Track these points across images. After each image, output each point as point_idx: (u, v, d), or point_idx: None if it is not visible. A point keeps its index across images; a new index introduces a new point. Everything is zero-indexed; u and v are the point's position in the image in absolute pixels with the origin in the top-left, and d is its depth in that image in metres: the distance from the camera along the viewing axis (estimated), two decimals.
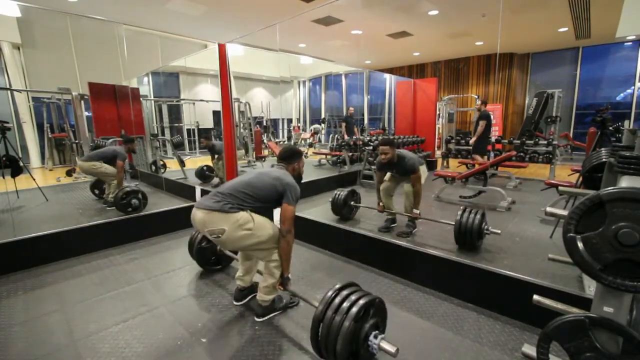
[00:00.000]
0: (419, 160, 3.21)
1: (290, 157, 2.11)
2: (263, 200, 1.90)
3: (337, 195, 3.71)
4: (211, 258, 2.65)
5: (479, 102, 6.19)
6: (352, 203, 3.77)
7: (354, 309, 1.44)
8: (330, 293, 1.55)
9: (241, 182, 1.94)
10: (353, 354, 1.47)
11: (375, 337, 1.49)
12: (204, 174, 5.77)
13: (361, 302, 1.48)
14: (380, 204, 3.40)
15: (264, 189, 1.90)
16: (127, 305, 2.21)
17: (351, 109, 8.31)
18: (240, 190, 1.89)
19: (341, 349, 1.39)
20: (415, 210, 3.19)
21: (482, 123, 5.60)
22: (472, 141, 5.85)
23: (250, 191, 1.88)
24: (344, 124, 7.78)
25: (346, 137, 7.29)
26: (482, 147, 5.75)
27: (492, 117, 5.86)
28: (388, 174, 3.40)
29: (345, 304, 1.47)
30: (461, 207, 2.88)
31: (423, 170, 3.26)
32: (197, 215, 1.86)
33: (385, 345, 1.46)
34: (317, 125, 10.91)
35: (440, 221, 3.17)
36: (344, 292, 1.55)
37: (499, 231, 2.77)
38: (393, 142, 3.13)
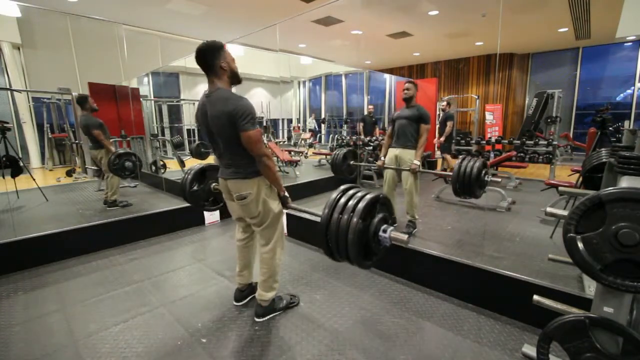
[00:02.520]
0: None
1: (207, 60, 1.69)
2: (236, 140, 1.70)
3: (336, 155, 3.71)
4: (207, 199, 2.42)
5: (444, 104, 6.29)
6: (352, 162, 3.75)
7: (361, 204, 1.41)
8: (334, 195, 1.52)
9: (221, 141, 1.78)
10: (365, 249, 1.45)
11: (385, 231, 1.46)
12: (199, 151, 5.81)
13: (368, 197, 1.45)
14: (382, 158, 3.41)
15: (229, 134, 1.70)
16: (127, 305, 2.21)
17: (371, 107, 8.09)
18: (231, 148, 1.77)
19: (352, 245, 1.38)
20: (415, 161, 3.13)
21: (449, 124, 5.89)
22: (441, 140, 6.09)
23: (231, 142, 1.73)
24: (361, 124, 7.61)
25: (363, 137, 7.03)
26: (450, 146, 6.14)
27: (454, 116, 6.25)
28: (388, 173, 3.38)
29: (352, 202, 1.45)
30: (460, 157, 2.83)
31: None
32: (226, 183, 1.89)
33: (395, 234, 1.44)
34: (311, 120, 11.07)
35: (440, 173, 3.16)
36: (350, 192, 1.52)
37: (499, 179, 2.78)
38: (416, 84, 3.28)
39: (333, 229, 1.45)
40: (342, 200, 1.48)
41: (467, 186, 2.66)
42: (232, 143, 1.74)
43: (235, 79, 1.80)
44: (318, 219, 1.53)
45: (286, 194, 1.97)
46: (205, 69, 1.72)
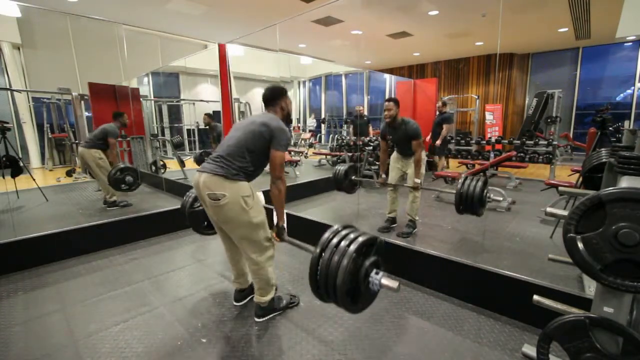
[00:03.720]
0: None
1: (273, 97, 2.00)
2: (257, 152, 1.82)
3: (337, 171, 3.75)
4: (204, 222, 2.44)
5: (440, 103, 6.15)
6: (353, 177, 3.80)
7: (353, 246, 1.37)
8: (327, 235, 1.48)
9: (233, 139, 1.85)
10: (354, 292, 1.41)
11: (377, 273, 1.43)
12: (202, 160, 5.83)
13: (360, 239, 1.41)
14: (383, 176, 3.40)
15: (254, 139, 1.81)
16: (127, 305, 2.21)
17: (360, 108, 8.11)
18: (233, 148, 1.81)
19: (341, 286, 1.33)
20: (416, 180, 3.13)
21: (446, 126, 5.76)
22: (437, 143, 5.91)
23: (243, 145, 1.81)
24: (351, 127, 7.63)
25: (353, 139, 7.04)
26: (445, 148, 6.04)
27: (453, 118, 6.12)
28: (392, 177, 3.39)
29: (344, 243, 1.41)
30: (462, 175, 2.86)
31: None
32: (199, 177, 1.80)
33: (386, 281, 1.40)
34: (311, 121, 11.11)
35: (443, 191, 3.37)
36: (342, 232, 1.48)
37: (501, 198, 2.79)
38: (397, 101, 3.19)
39: (324, 267, 1.39)
40: (335, 240, 1.43)
41: (470, 206, 2.71)
42: (250, 149, 1.81)
43: (288, 118, 2.05)
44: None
45: (284, 225, 1.93)
46: (268, 104, 2.01)
